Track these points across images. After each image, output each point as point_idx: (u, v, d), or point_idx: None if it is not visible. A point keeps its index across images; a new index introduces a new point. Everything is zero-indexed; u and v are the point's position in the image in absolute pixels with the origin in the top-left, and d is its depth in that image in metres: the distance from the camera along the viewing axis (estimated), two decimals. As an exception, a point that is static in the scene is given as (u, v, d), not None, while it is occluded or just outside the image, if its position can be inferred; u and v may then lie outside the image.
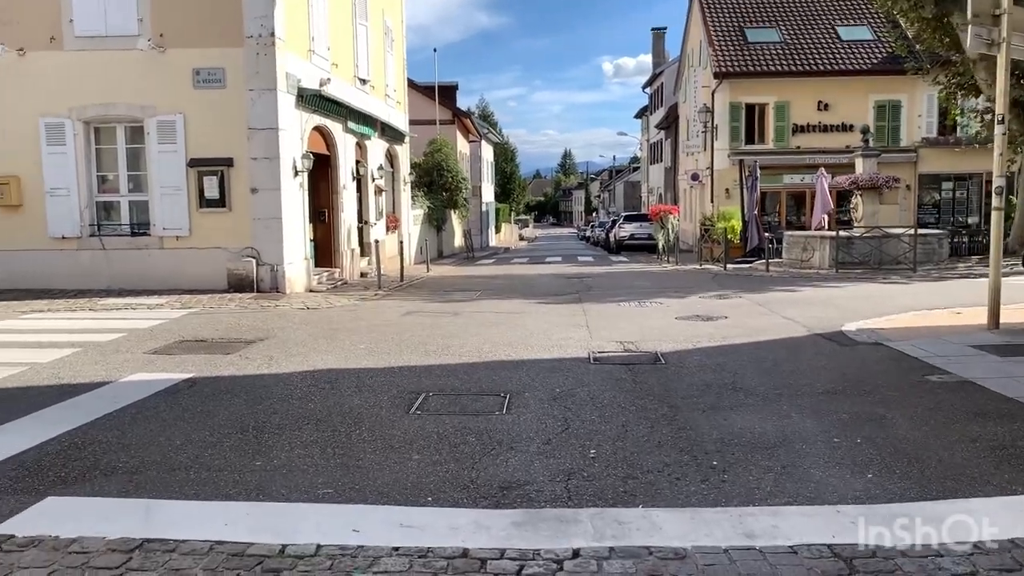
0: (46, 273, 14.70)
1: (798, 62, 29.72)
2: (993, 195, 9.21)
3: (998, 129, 9.06)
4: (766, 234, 22.96)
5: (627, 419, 5.76)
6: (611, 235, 37.30)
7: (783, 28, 31.29)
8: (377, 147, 21.48)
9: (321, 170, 17.10)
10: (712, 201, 30.07)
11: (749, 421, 5.68)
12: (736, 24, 31.47)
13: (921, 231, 20.19)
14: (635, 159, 79.25)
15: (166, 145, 14.53)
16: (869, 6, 30.07)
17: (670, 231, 26.10)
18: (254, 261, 14.56)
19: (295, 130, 15.22)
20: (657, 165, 49.87)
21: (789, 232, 22.99)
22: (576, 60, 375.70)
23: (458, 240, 36.44)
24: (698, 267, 22.03)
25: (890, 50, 28.09)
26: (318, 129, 16.79)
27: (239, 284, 14.47)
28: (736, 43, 30.59)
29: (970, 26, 8.57)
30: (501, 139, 64.42)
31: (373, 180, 20.84)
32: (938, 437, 5.24)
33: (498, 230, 55.93)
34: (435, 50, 62.66)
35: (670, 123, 42.62)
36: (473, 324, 10.87)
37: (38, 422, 5.83)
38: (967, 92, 21.17)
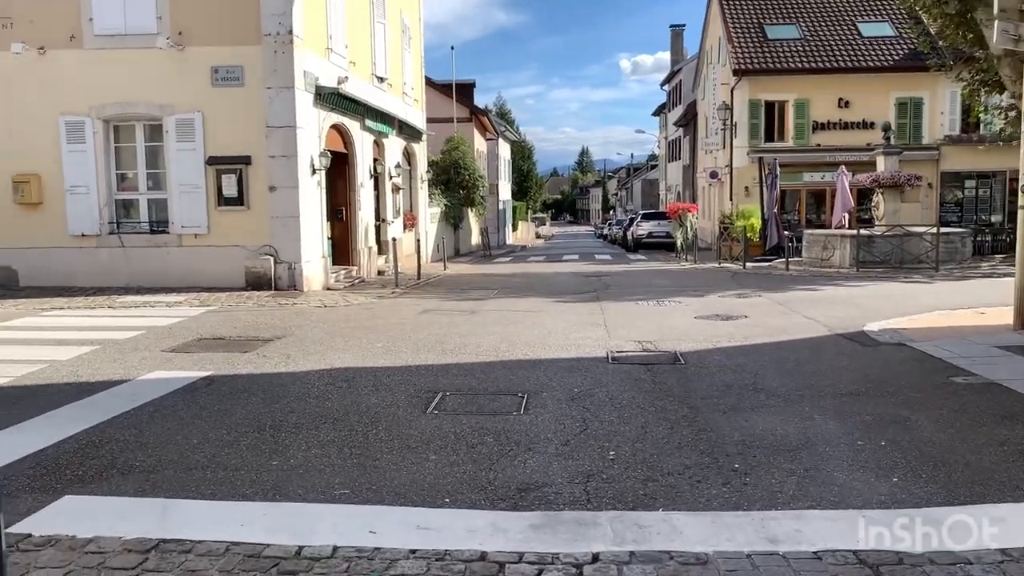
0: (66, 270, 14.79)
1: (818, 59, 29.44)
2: (1019, 193, 9.05)
3: (1025, 126, 8.90)
4: (785, 232, 22.77)
5: (646, 420, 5.69)
6: (629, 233, 37.13)
7: (803, 25, 31.00)
8: (395, 145, 21.47)
9: (339, 168, 17.11)
10: (731, 199, 29.85)
11: (771, 423, 5.60)
12: (755, 21, 31.21)
13: (943, 229, 19.95)
14: (653, 157, 78.95)
15: (185, 143, 14.58)
16: (890, 2, 29.72)
17: (688, 229, 25.92)
18: (272, 259, 14.59)
19: (313, 128, 15.23)
20: (675, 163, 49.63)
21: (809, 230, 22.78)
22: (594, 57, 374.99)
23: (475, 238, 36.42)
24: (717, 265, 21.87)
25: (912, 46, 27.75)
26: (336, 127, 16.79)
27: (257, 282, 14.50)
28: (755, 40, 30.34)
29: (996, 21, 8.42)
30: (518, 137, 64.34)
31: (391, 178, 20.84)
32: (964, 440, 5.14)
33: (515, 228, 55.86)
34: (452, 48, 63.06)
35: (688, 120, 42.38)
36: (490, 322, 10.83)
37: (56, 420, 5.85)
38: (991, 89, 20.84)
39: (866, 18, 31.05)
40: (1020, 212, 9.17)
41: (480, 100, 50.64)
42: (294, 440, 5.33)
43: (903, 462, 4.71)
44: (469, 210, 33.94)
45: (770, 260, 21.95)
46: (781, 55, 29.69)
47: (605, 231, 57.11)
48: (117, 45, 14.46)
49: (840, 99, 29.14)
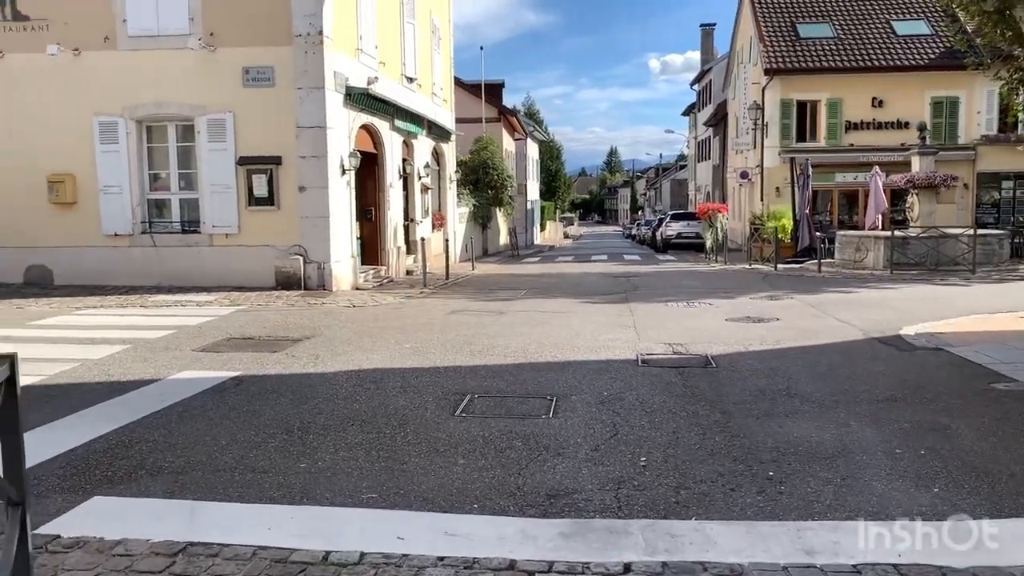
0: (99, 270, 14.95)
1: (852, 58, 29.02)
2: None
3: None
4: (817, 234, 22.47)
5: (678, 425, 5.60)
6: (658, 233, 36.89)
7: (836, 23, 30.57)
8: (424, 145, 21.49)
9: (368, 168, 17.14)
10: (762, 199, 29.52)
11: (805, 429, 5.48)
12: (787, 19, 30.84)
13: (980, 231, 19.55)
14: (682, 157, 78.40)
15: (216, 144, 14.68)
16: (926, 0, 29.25)
17: (719, 230, 25.68)
18: (301, 259, 14.64)
19: (343, 128, 15.27)
20: (705, 163, 49.24)
21: (842, 232, 22.45)
22: (623, 58, 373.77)
23: (503, 238, 36.40)
24: (747, 267, 21.64)
25: (948, 44, 27.26)
26: (365, 127, 16.83)
27: (287, 282, 14.56)
28: (787, 39, 29.98)
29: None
30: (547, 137, 64.20)
31: (419, 178, 20.85)
32: (1008, 449, 4.99)
33: (543, 228, 55.77)
34: (481, 48, 63.44)
35: (719, 120, 42.02)
36: (518, 323, 10.77)
37: (87, 419, 5.87)
38: (1031, 88, 20.44)
39: (901, 16, 30.56)
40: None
41: (509, 100, 50.56)
42: (322, 442, 5.30)
43: (944, 472, 4.58)
44: (497, 210, 33.93)
45: (802, 262, 21.68)
46: (814, 54, 29.31)
47: (633, 231, 56.87)
48: (150, 46, 14.59)
49: (874, 98, 28.70)
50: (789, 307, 12.27)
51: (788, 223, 23.94)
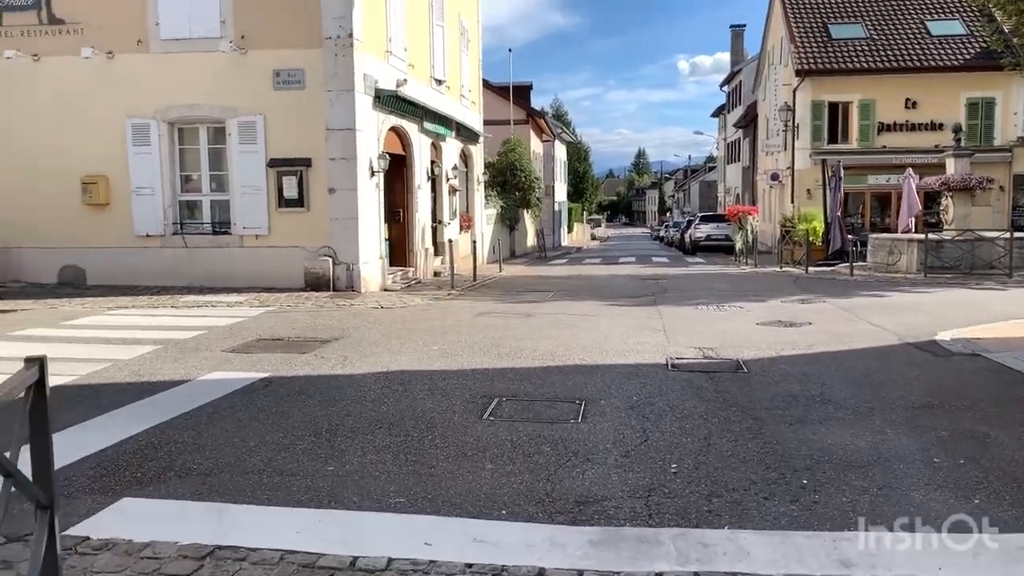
0: (131, 270, 15.11)
1: (885, 58, 28.65)
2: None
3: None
4: (849, 236, 22.18)
5: (709, 431, 5.51)
6: (687, 235, 36.67)
7: (869, 23, 30.21)
8: (452, 147, 21.51)
9: (396, 170, 17.18)
10: (792, 202, 29.23)
11: (840, 436, 5.37)
12: (819, 20, 30.53)
13: (1017, 234, 19.15)
14: (711, 158, 77.91)
15: (247, 145, 14.79)
16: (962, -1, 28.84)
17: (749, 232, 25.45)
18: (330, 260, 14.70)
19: (372, 130, 15.31)
20: (734, 165, 48.87)
21: (874, 235, 22.13)
22: (651, 59, 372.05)
23: (530, 240, 36.35)
24: (778, 270, 21.41)
25: (984, 45, 26.81)
26: (394, 129, 16.87)
27: (316, 283, 14.63)
28: (819, 39, 29.68)
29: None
30: (574, 138, 64.09)
31: (447, 180, 20.87)
32: (1051, 460, 4.85)
33: (570, 230, 55.65)
34: (510, 50, 62.97)
35: (748, 122, 41.68)
36: (546, 326, 10.71)
37: (117, 420, 5.91)
38: (1070, 88, 20.03)
39: (935, 16, 30.12)
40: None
41: (536, 102, 50.59)
42: (350, 445, 5.29)
43: (984, 482, 4.46)
44: (525, 212, 33.90)
45: (833, 265, 21.40)
46: (846, 55, 28.99)
47: (661, 233, 56.59)
48: (182, 49, 14.73)
49: (907, 100, 28.33)
50: (821, 311, 12.10)
51: (819, 225, 23.66)
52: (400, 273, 16.98)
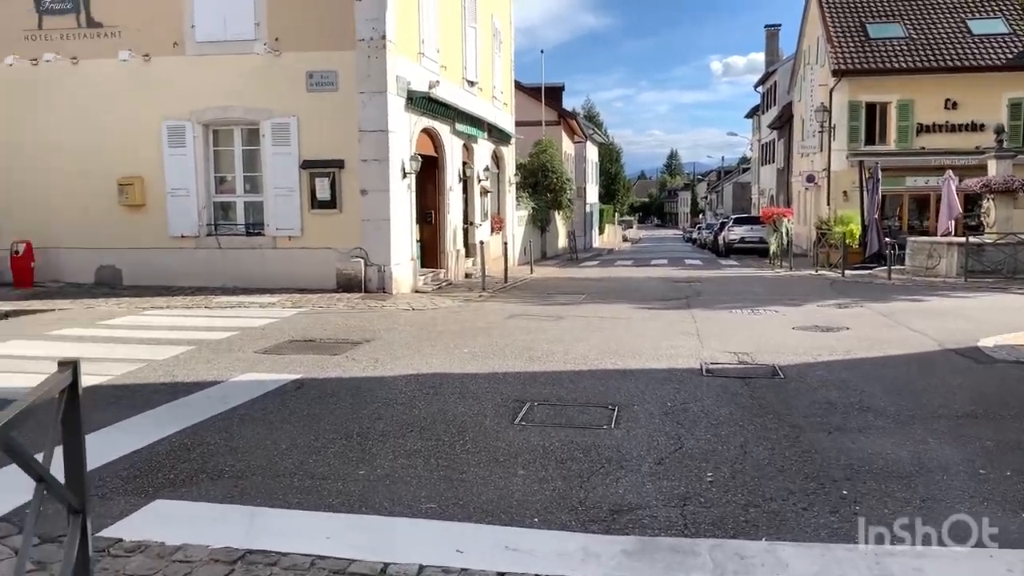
0: (166, 271, 15.27)
1: (924, 58, 28.13)
2: None
3: None
4: (886, 239, 21.80)
5: (745, 439, 5.41)
6: (720, 237, 36.34)
7: (907, 22, 29.68)
8: (484, 149, 21.50)
9: (428, 172, 17.19)
10: (828, 204, 28.80)
11: (880, 445, 5.24)
12: (856, 19, 30.06)
13: (1062, 238, 18.70)
14: (744, 160, 77.20)
15: (280, 147, 14.87)
16: (1004, -3, 28.26)
17: (784, 235, 25.12)
18: (362, 261, 14.74)
19: (404, 132, 15.34)
20: (769, 166, 48.34)
21: (913, 238, 21.73)
22: (683, 60, 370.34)
23: (562, 241, 36.24)
24: (813, 273, 21.11)
25: (1028, 43, 26.26)
26: (426, 131, 16.88)
27: (348, 284, 14.67)
28: (856, 39, 29.22)
29: None
30: (606, 140, 63.79)
31: (479, 181, 20.87)
32: (1102, 473, 4.68)
33: (602, 231, 55.41)
34: (542, 51, 62.90)
35: (783, 123, 41.20)
36: (578, 329, 10.63)
37: (151, 420, 5.94)
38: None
39: (977, 15, 29.52)
40: None
41: (568, 103, 50.47)
42: (381, 449, 5.26)
43: (1033, 496, 4.31)
44: (556, 213, 33.80)
45: (870, 268, 21.05)
46: (884, 54, 28.51)
47: (694, 235, 56.20)
48: (217, 51, 14.86)
49: (947, 100, 27.78)
50: (859, 316, 11.88)
51: (856, 228, 23.27)
52: (431, 275, 16.99)
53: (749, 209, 51.76)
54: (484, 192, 21.45)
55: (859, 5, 30.64)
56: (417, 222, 16.50)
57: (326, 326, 10.90)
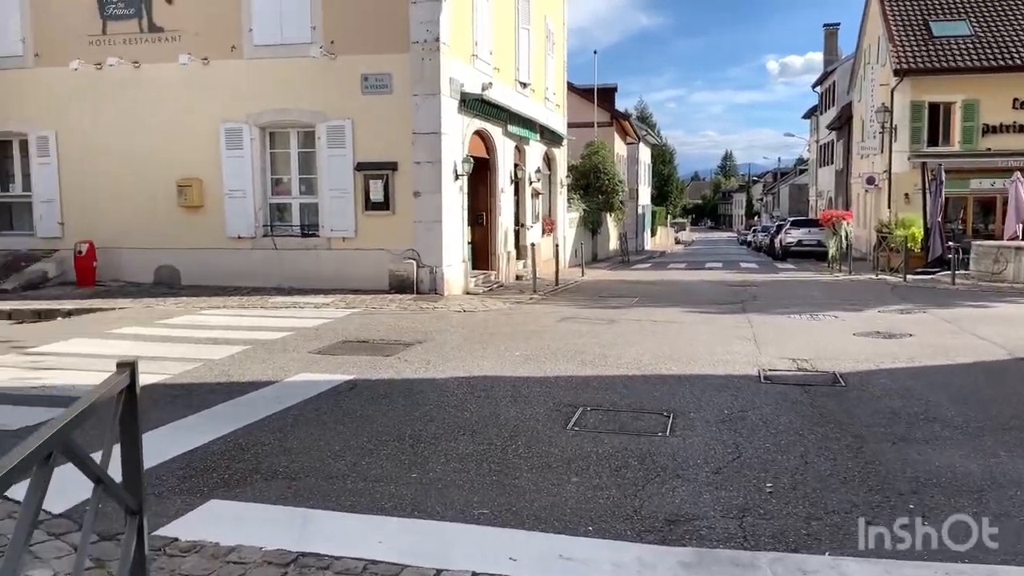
0: (223, 271, 15.53)
1: (991, 56, 27.25)
2: None
3: None
4: (949, 243, 21.15)
5: (806, 448, 5.25)
6: (776, 240, 35.70)
7: (974, 20, 28.79)
8: (535, 150, 21.44)
9: (480, 173, 17.20)
10: (889, 206, 28.07)
11: (948, 457, 5.04)
12: (919, 17, 29.27)
13: None
14: (801, 161, 75.82)
15: (335, 150, 15.01)
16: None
17: (843, 238, 24.55)
18: (414, 263, 14.80)
19: (457, 134, 15.36)
20: (827, 167, 47.39)
21: (978, 242, 21.07)
22: (738, 59, 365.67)
23: (613, 243, 36.00)
24: (873, 277, 20.58)
25: (1102, 40, 25.26)
26: (478, 133, 16.89)
27: (400, 285, 14.75)
28: (919, 37, 28.45)
29: None
30: (659, 141, 63.29)
31: (530, 183, 20.81)
32: None
33: (654, 233, 54.96)
34: (595, 52, 62.40)
35: (842, 124, 40.34)
36: (631, 333, 10.50)
37: (207, 420, 6.00)
38: None
39: (1047, 10, 28.50)
40: None
41: (620, 104, 50.15)
42: (433, 452, 5.23)
43: (1116, 515, 4.09)
44: (608, 215, 33.57)
45: (933, 273, 20.46)
46: (948, 53, 27.70)
47: (749, 238, 55.40)
48: (274, 55, 15.05)
49: (1015, 100, 26.87)
50: (922, 322, 11.52)
51: (918, 232, 22.64)
52: (482, 276, 16.99)
53: (806, 212, 50.79)
54: (535, 194, 21.39)
55: (922, 2, 29.84)
56: (468, 224, 16.52)
57: (378, 327, 10.96)
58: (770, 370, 7.85)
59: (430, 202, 14.66)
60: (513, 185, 19.35)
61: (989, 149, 27.00)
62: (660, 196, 64.92)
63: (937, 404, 6.44)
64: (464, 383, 7.38)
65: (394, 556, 3.61)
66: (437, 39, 14.29)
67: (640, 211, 46.20)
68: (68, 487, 3.84)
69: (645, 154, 50.14)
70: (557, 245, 20.76)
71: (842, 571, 3.50)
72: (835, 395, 6.83)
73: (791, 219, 39.75)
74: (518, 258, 19.65)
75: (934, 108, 27.69)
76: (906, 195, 27.13)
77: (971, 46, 27.75)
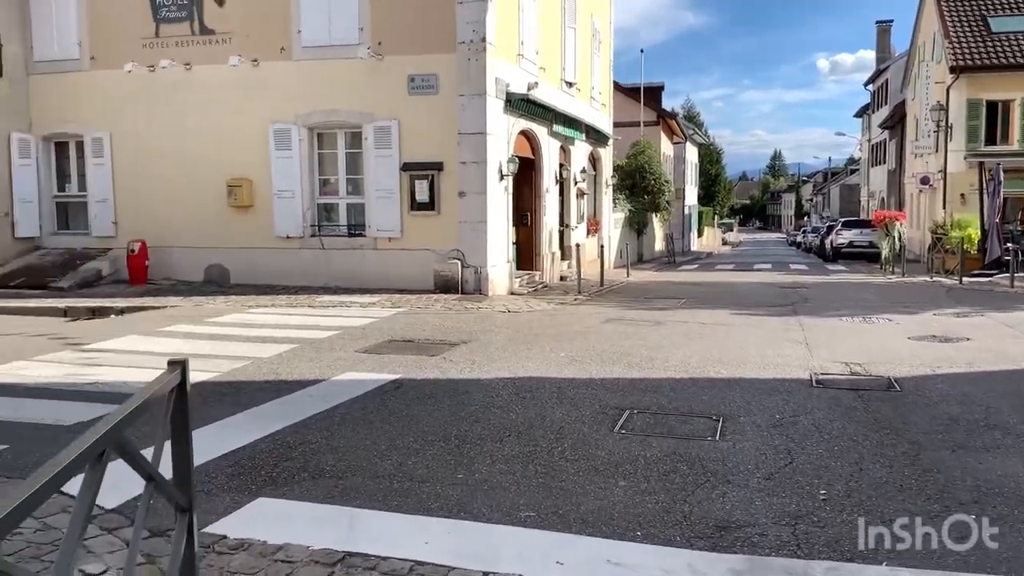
0: (271, 270, 15.72)
1: (1052, 52, 26.44)
2: None
3: None
4: (1008, 245, 20.53)
5: (861, 455, 5.11)
6: (827, 241, 35.07)
7: (1034, 15, 27.98)
8: (581, 150, 21.34)
9: (525, 173, 17.15)
10: (944, 207, 27.39)
11: (1011, 467, 4.86)
12: (977, 12, 28.51)
13: None
14: (852, 160, 74.43)
15: (382, 150, 15.09)
16: None
17: (896, 239, 24.00)
18: (459, 263, 14.82)
19: (502, 134, 15.34)
20: (879, 167, 46.43)
21: (1038, 243, 20.41)
22: (788, 58, 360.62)
23: (659, 244, 35.71)
24: (928, 280, 20.07)
25: None
26: (524, 133, 16.85)
27: (444, 285, 14.78)
28: (977, 34, 27.71)
29: None
30: (706, 140, 62.65)
31: (575, 183, 20.72)
32: None
33: (700, 234, 54.40)
34: (642, 51, 61.56)
35: (895, 122, 39.49)
36: (678, 335, 10.37)
37: (255, 418, 6.05)
38: None
39: (1112, 4, 27.56)
40: None
41: (667, 103, 49.65)
42: (479, 453, 5.21)
43: None
44: (653, 215, 33.29)
45: (990, 275, 19.87)
46: (1007, 49, 26.93)
47: (798, 239, 54.55)
48: (322, 56, 15.18)
49: (1078, 97, 26.05)
50: (980, 326, 11.19)
51: (975, 233, 22.02)
52: (526, 277, 16.95)
53: (857, 212, 49.83)
54: (580, 194, 21.29)
55: (980, -3, 29.06)
56: (513, 224, 16.48)
57: (424, 327, 10.98)
58: (822, 374, 7.67)
59: (475, 202, 14.67)
60: (558, 185, 19.28)
61: (1050, 148, 26.19)
62: (707, 196, 64.20)
63: (998, 411, 6.23)
64: (509, 384, 7.35)
65: (441, 557, 3.59)
66: (483, 39, 14.29)
67: (686, 211, 45.77)
68: (120, 482, 3.91)
69: (692, 153, 49.68)
70: (602, 246, 20.65)
71: (900, 583, 3.38)
72: (890, 400, 6.64)
73: (842, 220, 39.01)
74: (562, 259, 19.57)
75: (992, 106, 26.97)
76: (962, 195, 26.45)
77: (1031, 42, 26.95)
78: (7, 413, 6.17)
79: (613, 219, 26.30)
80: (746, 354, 8.80)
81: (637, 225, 30.50)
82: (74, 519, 1.90)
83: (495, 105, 14.84)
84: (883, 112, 43.54)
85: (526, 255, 17.80)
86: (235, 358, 8.45)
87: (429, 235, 14.96)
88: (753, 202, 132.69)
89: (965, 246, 20.51)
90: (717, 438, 5.50)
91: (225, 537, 3.79)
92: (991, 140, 26.97)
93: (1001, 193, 21.65)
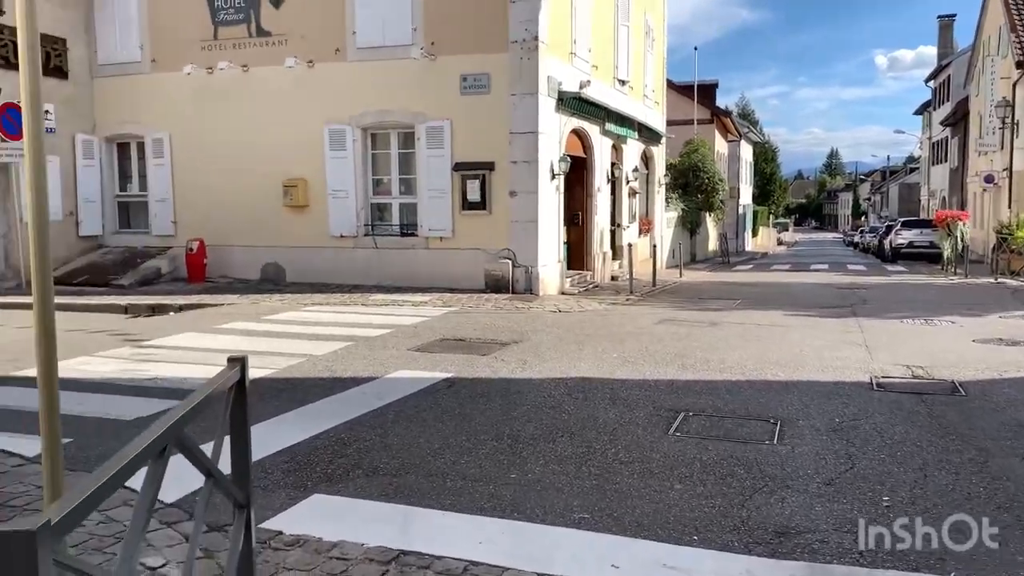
0: (326, 269, 15.91)
1: None
2: None
3: None
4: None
5: (925, 461, 4.96)
6: (886, 242, 34.24)
7: (1107, 6, 26.93)
8: (633, 149, 21.16)
9: (576, 172, 17.06)
10: (1010, 206, 26.50)
11: (1086, 476, 4.67)
12: (1045, 5, 27.54)
13: None
14: (911, 159, 72.48)
15: (434, 150, 15.16)
16: None
17: (959, 240, 23.32)
18: (510, 263, 14.81)
19: (554, 133, 15.29)
20: (940, 166, 45.18)
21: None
22: (845, 54, 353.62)
23: (712, 244, 35.27)
24: (992, 281, 19.46)
25: None
26: (575, 131, 16.77)
27: (495, 284, 14.78)
28: (1045, 26, 26.76)
29: None
30: (761, 138, 61.67)
31: (627, 182, 20.56)
32: None
33: (755, 234, 53.57)
34: (696, 48, 60.78)
35: (958, 119, 38.37)
36: (733, 336, 10.21)
37: (310, 415, 6.11)
38: None
39: None
40: None
41: (721, 101, 48.99)
42: (532, 452, 5.18)
43: None
44: (707, 215, 32.88)
45: (1058, 276, 19.19)
46: (1078, 42, 25.95)
47: (856, 239, 53.41)
48: (376, 57, 15.30)
49: None
50: (1049, 329, 10.80)
51: (1042, 233, 21.28)
52: (577, 277, 16.86)
53: (917, 211, 48.61)
54: (632, 193, 21.12)
55: (1049, -11, 28.07)
56: (564, 223, 16.40)
57: (475, 326, 11.00)
58: (883, 377, 7.47)
59: (526, 202, 14.64)
60: (610, 184, 19.15)
61: (1123, 145, 25.19)
62: (762, 195, 63.18)
63: (1070, 418, 6.00)
64: (561, 384, 7.31)
65: (495, 558, 3.57)
66: (536, 38, 14.26)
67: (741, 211, 45.12)
68: (180, 476, 3.97)
69: (747, 152, 48.98)
70: (654, 245, 20.46)
71: (970, 595, 3.27)
72: (955, 405, 6.44)
73: (902, 219, 38.08)
74: (614, 258, 19.43)
75: (1061, 101, 25.99)
76: (1029, 194, 25.57)
77: (1104, 35, 25.94)
78: (71, 407, 6.31)
79: (665, 218, 26.04)
80: (804, 356, 8.62)
81: (690, 224, 30.15)
82: (137, 513, 1.91)
83: (547, 104, 14.80)
84: (945, 109, 42.36)
85: (577, 255, 17.71)
86: (291, 355, 8.56)
87: (480, 235, 14.98)
88: (809, 201, 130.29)
89: (1032, 247, 19.83)
90: (775, 442, 5.38)
91: (281, 533, 3.83)
92: (1060, 137, 26.00)
93: (1071, 192, 20.90)
